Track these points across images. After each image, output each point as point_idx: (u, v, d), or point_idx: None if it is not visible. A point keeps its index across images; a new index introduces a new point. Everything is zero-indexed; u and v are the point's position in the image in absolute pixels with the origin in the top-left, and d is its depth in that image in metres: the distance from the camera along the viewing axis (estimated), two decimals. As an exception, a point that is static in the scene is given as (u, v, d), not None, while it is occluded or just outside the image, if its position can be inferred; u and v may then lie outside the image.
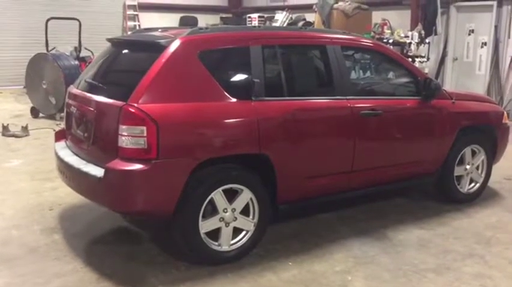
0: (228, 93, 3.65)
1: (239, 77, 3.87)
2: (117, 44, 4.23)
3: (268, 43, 3.96)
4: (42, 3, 13.20)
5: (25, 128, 8.10)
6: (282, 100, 3.90)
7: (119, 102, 3.42)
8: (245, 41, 3.83)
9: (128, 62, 4.11)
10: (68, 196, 4.83)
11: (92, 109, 3.73)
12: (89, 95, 3.87)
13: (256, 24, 13.43)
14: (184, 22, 15.19)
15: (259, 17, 14.21)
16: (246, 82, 3.76)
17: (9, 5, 13.12)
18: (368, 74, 5.18)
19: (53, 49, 10.00)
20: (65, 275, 3.56)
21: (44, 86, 9.35)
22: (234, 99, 3.66)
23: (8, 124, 8.15)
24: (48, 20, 10.04)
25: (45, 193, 5.25)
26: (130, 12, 15.01)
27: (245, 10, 16.06)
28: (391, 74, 4.93)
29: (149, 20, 14.47)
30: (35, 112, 9.65)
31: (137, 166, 3.32)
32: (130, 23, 14.86)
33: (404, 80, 4.74)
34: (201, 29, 3.88)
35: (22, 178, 5.82)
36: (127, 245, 4.08)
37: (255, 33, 4.04)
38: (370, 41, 4.77)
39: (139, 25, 14.69)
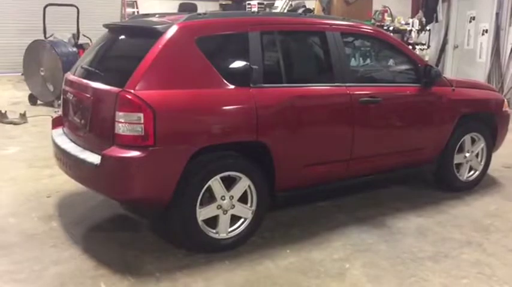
0: (226, 80, 3.61)
1: (237, 63, 3.82)
2: (114, 29, 4.18)
3: (267, 29, 3.91)
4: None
5: (23, 115, 8.07)
6: (280, 87, 3.86)
7: (116, 89, 3.38)
8: (243, 27, 3.78)
9: (125, 48, 4.05)
10: (66, 183, 4.81)
11: (88, 96, 3.69)
12: (85, 81, 3.83)
13: (256, 11, 13.34)
14: (183, 9, 15.02)
15: (258, 3, 14.08)
16: (244, 69, 3.71)
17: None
18: (368, 61, 5.14)
19: (50, 36, 9.92)
20: (62, 263, 3.55)
21: (42, 73, 9.30)
22: (232, 86, 3.62)
23: (5, 111, 8.12)
24: (46, 7, 9.94)
25: (43, 180, 5.24)
26: (129, -2, 14.91)
27: (245, -4, 15.91)
28: (391, 61, 4.88)
29: (148, 7, 14.34)
30: (33, 99, 9.61)
31: (134, 153, 3.29)
32: (129, 10, 14.74)
33: (404, 67, 4.70)
34: (199, 14, 3.83)
35: (20, 165, 5.79)
36: (125, 233, 4.07)
37: (253, 19, 3.99)
38: (370, 28, 4.70)
39: (137, 11, 14.59)
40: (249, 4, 14.30)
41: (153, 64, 3.41)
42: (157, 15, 4.11)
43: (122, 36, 4.11)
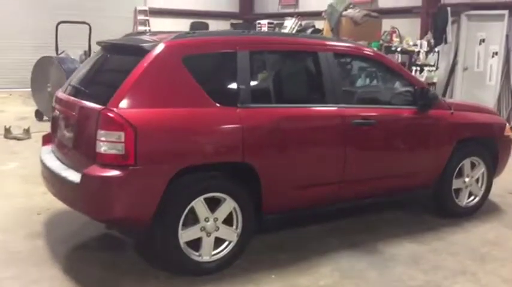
0: (212, 99, 3.55)
1: (224, 83, 3.77)
2: (105, 47, 4.16)
3: (256, 48, 3.87)
4: (54, 7, 13.31)
5: (27, 131, 8.11)
6: (268, 107, 3.80)
7: (98, 107, 3.35)
8: (232, 46, 3.74)
9: (112, 66, 4.03)
10: (57, 200, 4.74)
11: (73, 113, 3.67)
12: (72, 99, 3.81)
13: (266, 30, 13.41)
14: (194, 27, 15.17)
15: (268, 23, 14.17)
16: (232, 88, 3.66)
17: (20, 8, 13.25)
18: (362, 82, 5.04)
19: (62, 52, 10.03)
20: (42, 282, 3.50)
21: (49, 89, 9.35)
22: (218, 106, 3.56)
23: (10, 126, 8.17)
24: (58, 24, 10.07)
25: (36, 196, 5.20)
26: (141, 17, 15.06)
27: (256, 16, 16.02)
28: (386, 83, 4.79)
29: (160, 25, 14.48)
30: (39, 115, 9.69)
31: (114, 173, 3.24)
32: (141, 28, 14.90)
33: (400, 88, 4.59)
34: (187, 33, 3.81)
35: (17, 181, 5.79)
36: (109, 253, 4.00)
37: (242, 38, 3.95)
38: (364, 49, 4.62)
39: (149, 30, 14.72)
40: (259, 23, 14.40)
41: (137, 82, 3.37)
42: (148, 33, 4.08)
43: (112, 54, 4.08)
